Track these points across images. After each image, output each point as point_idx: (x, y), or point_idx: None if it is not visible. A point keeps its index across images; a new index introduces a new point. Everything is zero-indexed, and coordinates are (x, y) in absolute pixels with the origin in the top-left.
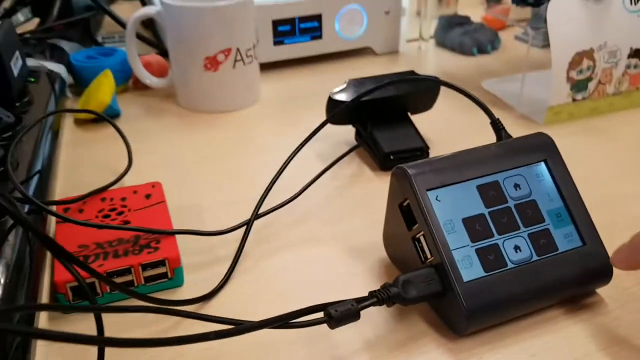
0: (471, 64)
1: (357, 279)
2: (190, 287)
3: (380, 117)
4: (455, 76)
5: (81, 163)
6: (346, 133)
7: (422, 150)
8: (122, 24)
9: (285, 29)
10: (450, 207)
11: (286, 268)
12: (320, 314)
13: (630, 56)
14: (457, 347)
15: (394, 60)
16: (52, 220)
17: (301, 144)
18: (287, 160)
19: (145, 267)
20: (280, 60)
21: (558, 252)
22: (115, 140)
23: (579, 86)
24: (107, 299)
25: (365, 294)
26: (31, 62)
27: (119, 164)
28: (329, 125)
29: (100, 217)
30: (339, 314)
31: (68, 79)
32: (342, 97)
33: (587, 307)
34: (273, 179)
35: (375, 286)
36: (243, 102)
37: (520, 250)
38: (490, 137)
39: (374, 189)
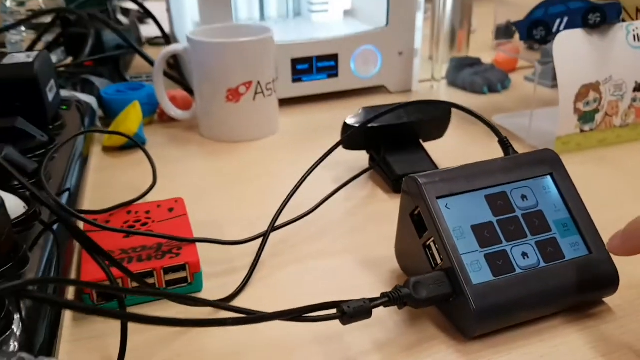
0: (482, 101)
1: (369, 288)
2: (209, 292)
3: (393, 143)
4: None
5: (108, 184)
6: (361, 160)
7: None
8: (151, 62)
9: (304, 67)
10: (460, 214)
11: (301, 277)
12: (334, 311)
13: (635, 90)
14: (466, 349)
15: (407, 97)
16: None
17: (316, 162)
18: (303, 177)
19: (166, 270)
20: (298, 96)
21: (565, 259)
22: (140, 165)
23: (586, 117)
24: (130, 301)
25: (379, 308)
26: (64, 93)
27: (144, 185)
28: (345, 153)
29: (126, 228)
30: (351, 310)
31: (98, 110)
32: (355, 122)
33: (594, 315)
34: (290, 194)
35: None
36: (262, 132)
37: (527, 257)
38: None
39: (387, 209)
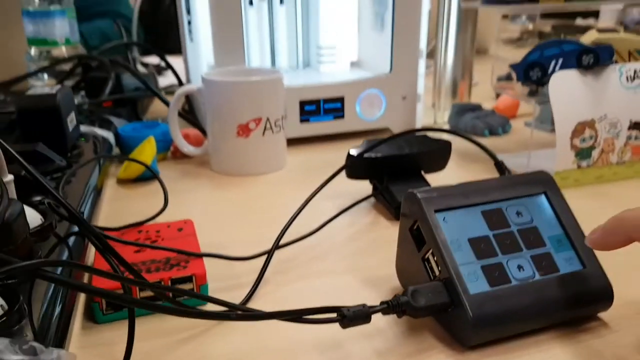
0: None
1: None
2: (214, 305)
3: (396, 173)
4: (467, 151)
5: (120, 211)
6: (365, 191)
7: None
8: (166, 103)
9: (311, 109)
10: (457, 228)
11: (304, 293)
12: (334, 315)
13: (630, 128)
14: (464, 358)
15: None
16: (92, 248)
17: (322, 184)
18: (308, 198)
19: (174, 282)
20: (306, 136)
21: (559, 273)
22: (152, 196)
23: (582, 154)
24: (138, 312)
25: (379, 320)
26: (83, 128)
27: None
28: (349, 184)
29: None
30: (351, 313)
31: (115, 149)
32: (358, 152)
33: (589, 329)
34: (295, 213)
35: None
36: (270, 166)
37: (523, 269)
38: None
39: (389, 235)
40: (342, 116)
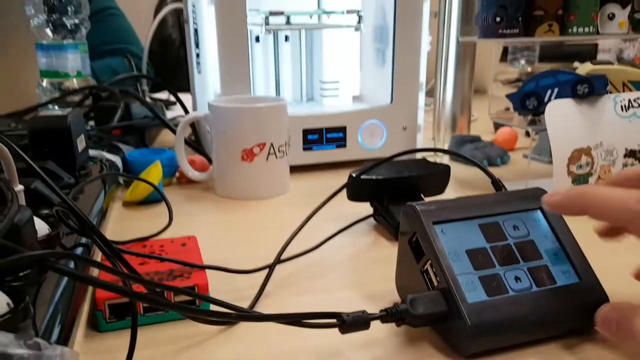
0: (481, 172)
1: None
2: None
3: (396, 195)
4: (465, 180)
5: (125, 231)
6: (366, 213)
7: None
8: (173, 130)
9: (314, 138)
10: (455, 239)
11: (304, 307)
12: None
13: (626, 155)
14: None
15: None
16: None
17: (324, 201)
18: (311, 214)
19: (176, 292)
20: (308, 164)
21: (556, 285)
22: (157, 217)
23: (579, 180)
24: (142, 320)
25: (378, 330)
26: (92, 152)
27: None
28: (350, 206)
29: (141, 258)
30: (350, 319)
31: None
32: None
33: (588, 340)
34: (297, 228)
35: None
36: (273, 191)
37: (520, 281)
38: None
39: (389, 254)
40: (344, 145)
